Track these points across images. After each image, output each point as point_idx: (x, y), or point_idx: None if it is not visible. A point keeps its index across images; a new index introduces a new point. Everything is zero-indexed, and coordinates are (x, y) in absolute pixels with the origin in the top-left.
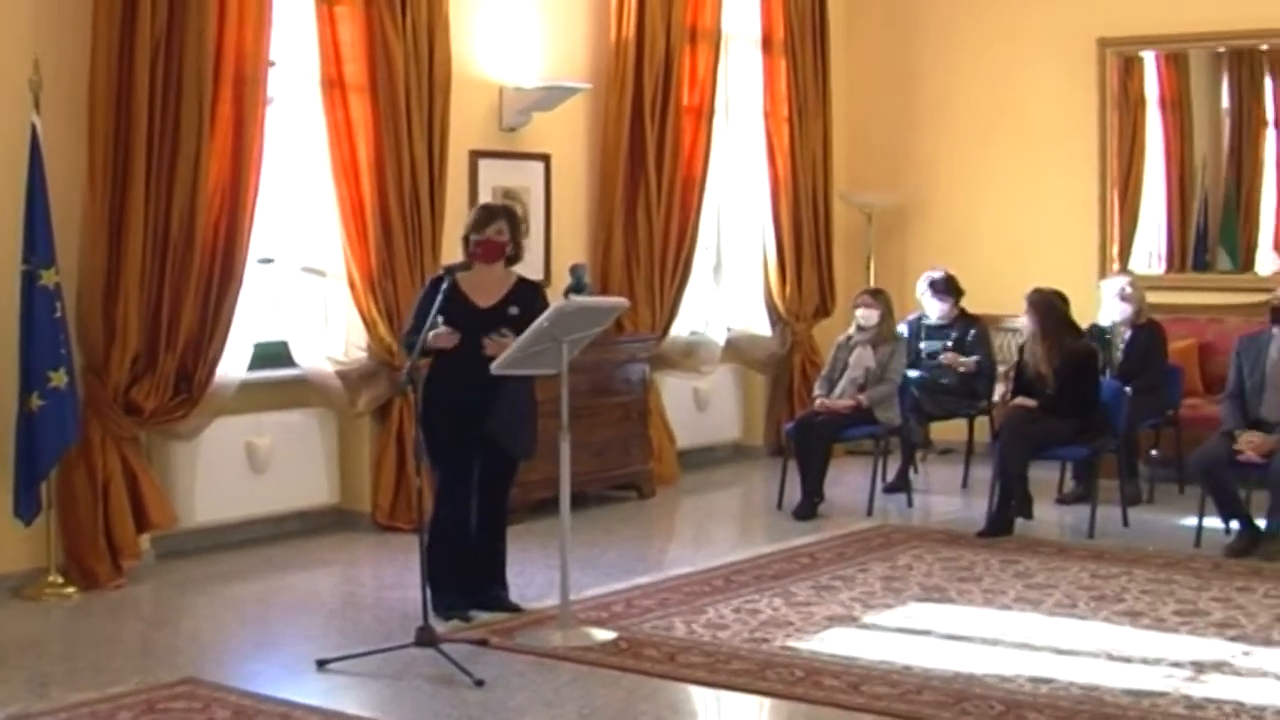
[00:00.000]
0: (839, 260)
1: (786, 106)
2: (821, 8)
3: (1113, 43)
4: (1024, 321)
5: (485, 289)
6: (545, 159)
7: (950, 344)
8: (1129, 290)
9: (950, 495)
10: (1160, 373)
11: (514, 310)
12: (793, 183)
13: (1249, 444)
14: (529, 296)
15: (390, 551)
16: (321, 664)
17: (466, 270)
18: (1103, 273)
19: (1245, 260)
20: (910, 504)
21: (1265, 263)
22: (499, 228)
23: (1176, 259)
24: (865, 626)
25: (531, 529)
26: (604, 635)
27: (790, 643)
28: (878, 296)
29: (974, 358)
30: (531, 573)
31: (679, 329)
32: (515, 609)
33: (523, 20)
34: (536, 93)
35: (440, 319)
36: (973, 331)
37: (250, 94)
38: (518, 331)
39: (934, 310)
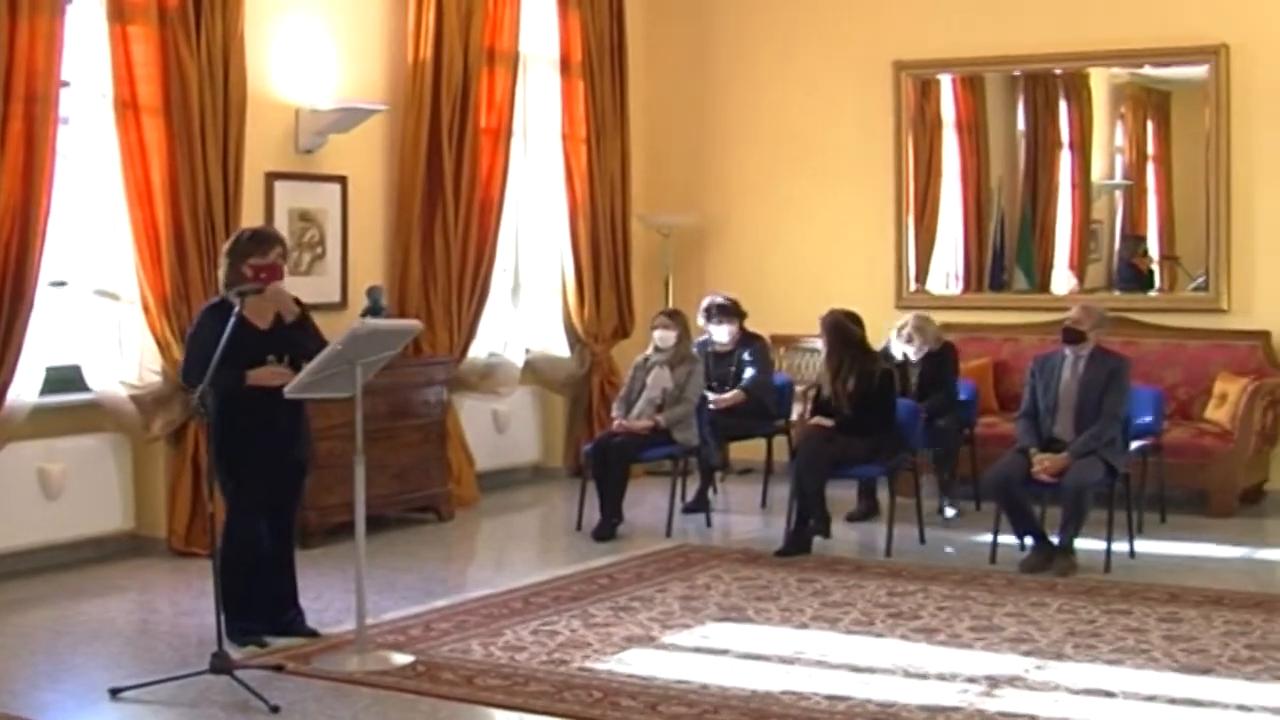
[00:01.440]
0: (637, 281)
1: (585, 128)
2: (620, 29)
3: (909, 66)
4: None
5: (260, 312)
6: (342, 180)
7: (733, 368)
8: (909, 332)
9: (749, 515)
10: (950, 395)
11: (290, 319)
12: (591, 204)
13: (1041, 466)
14: (299, 314)
15: (186, 577)
16: (115, 693)
17: (258, 294)
18: (900, 293)
19: (1042, 280)
20: (709, 524)
21: (1061, 282)
22: (280, 252)
23: (974, 279)
24: (663, 646)
25: (330, 553)
26: (402, 659)
27: (588, 664)
28: (675, 317)
29: (734, 391)
30: (330, 597)
31: (477, 351)
32: (312, 634)
33: (319, 41)
34: (333, 114)
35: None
36: (747, 352)
37: (42, 113)
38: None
39: (719, 334)
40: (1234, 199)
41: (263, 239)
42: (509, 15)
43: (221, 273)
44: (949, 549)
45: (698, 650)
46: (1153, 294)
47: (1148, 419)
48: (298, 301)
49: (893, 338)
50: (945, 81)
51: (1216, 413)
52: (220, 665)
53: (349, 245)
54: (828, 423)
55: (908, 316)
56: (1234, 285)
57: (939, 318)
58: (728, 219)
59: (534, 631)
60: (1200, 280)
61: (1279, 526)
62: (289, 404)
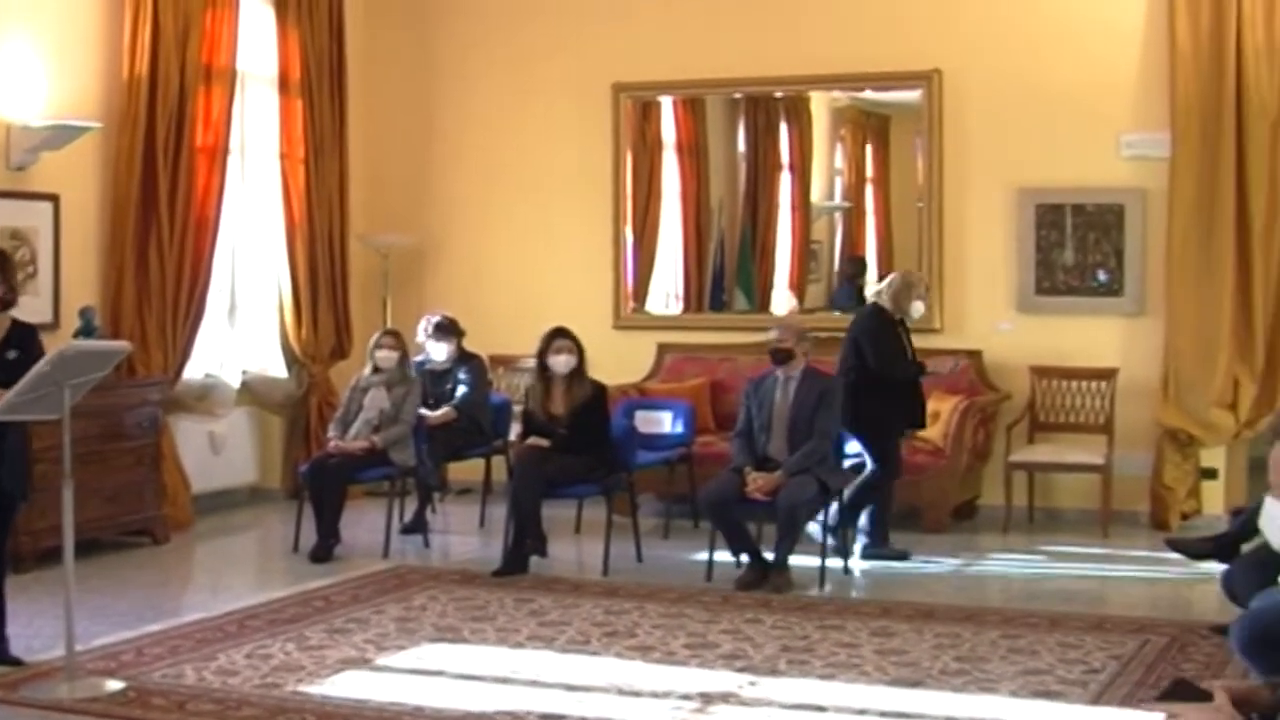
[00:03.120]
0: (355, 302)
1: (303, 147)
2: (339, 49)
3: (628, 88)
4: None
5: None
6: (54, 199)
7: (449, 386)
8: (923, 290)
9: (468, 535)
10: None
11: (12, 354)
12: (309, 224)
13: (755, 484)
14: (26, 339)
15: None
16: None
17: None
18: (618, 313)
19: (762, 300)
20: (427, 544)
21: (781, 302)
22: (3, 275)
23: (694, 299)
24: (378, 669)
25: (41, 578)
26: (113, 685)
27: (302, 687)
28: (395, 338)
29: (446, 409)
30: (40, 623)
31: (193, 371)
32: (17, 662)
33: (30, 57)
34: (44, 131)
35: None
36: (463, 371)
37: None
38: (18, 374)
39: (437, 353)
40: (946, 221)
41: None
42: (226, 32)
43: None
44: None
45: (412, 671)
46: None
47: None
48: (30, 330)
49: (914, 302)
50: (666, 103)
51: (930, 430)
52: None
53: (61, 264)
54: (543, 443)
55: (894, 274)
56: (946, 305)
57: (657, 338)
58: (447, 239)
59: (248, 655)
60: None
61: (990, 541)
62: None
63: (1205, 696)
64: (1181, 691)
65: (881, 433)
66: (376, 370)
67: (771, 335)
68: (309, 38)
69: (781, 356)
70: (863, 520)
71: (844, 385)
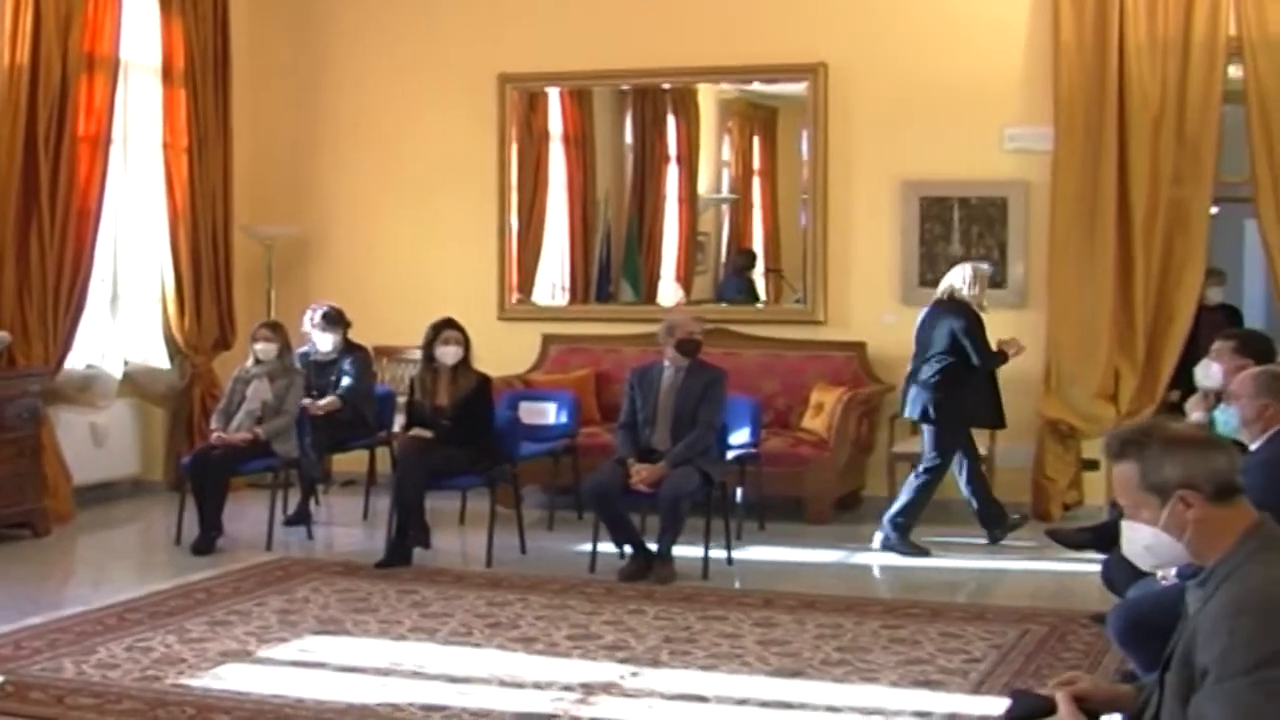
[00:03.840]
0: (239, 293)
1: (186, 137)
2: (224, 38)
3: (515, 79)
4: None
5: None
6: None
7: (334, 377)
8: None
9: (351, 527)
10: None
11: None
12: (192, 214)
13: (639, 476)
14: None
15: None
16: None
17: None
18: (503, 305)
19: (648, 292)
20: (311, 536)
21: (667, 294)
22: None
23: (580, 290)
24: (259, 661)
25: None
26: None
27: (182, 680)
28: (275, 330)
29: (330, 398)
30: None
31: (74, 362)
32: None
33: None
34: None
35: None
36: (347, 362)
37: None
38: None
39: (322, 343)
40: (831, 214)
41: None
42: (109, 21)
43: None
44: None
45: (294, 664)
46: (759, 306)
47: (745, 428)
48: None
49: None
50: (553, 94)
51: (813, 422)
52: None
53: None
54: (426, 434)
55: (964, 268)
56: (830, 298)
57: (543, 329)
58: (332, 230)
59: (128, 648)
60: (800, 293)
61: (872, 531)
62: None
63: (1047, 705)
64: (1020, 704)
65: (958, 425)
66: (258, 362)
67: (684, 328)
68: (193, 27)
69: (692, 348)
70: (893, 509)
71: (934, 378)
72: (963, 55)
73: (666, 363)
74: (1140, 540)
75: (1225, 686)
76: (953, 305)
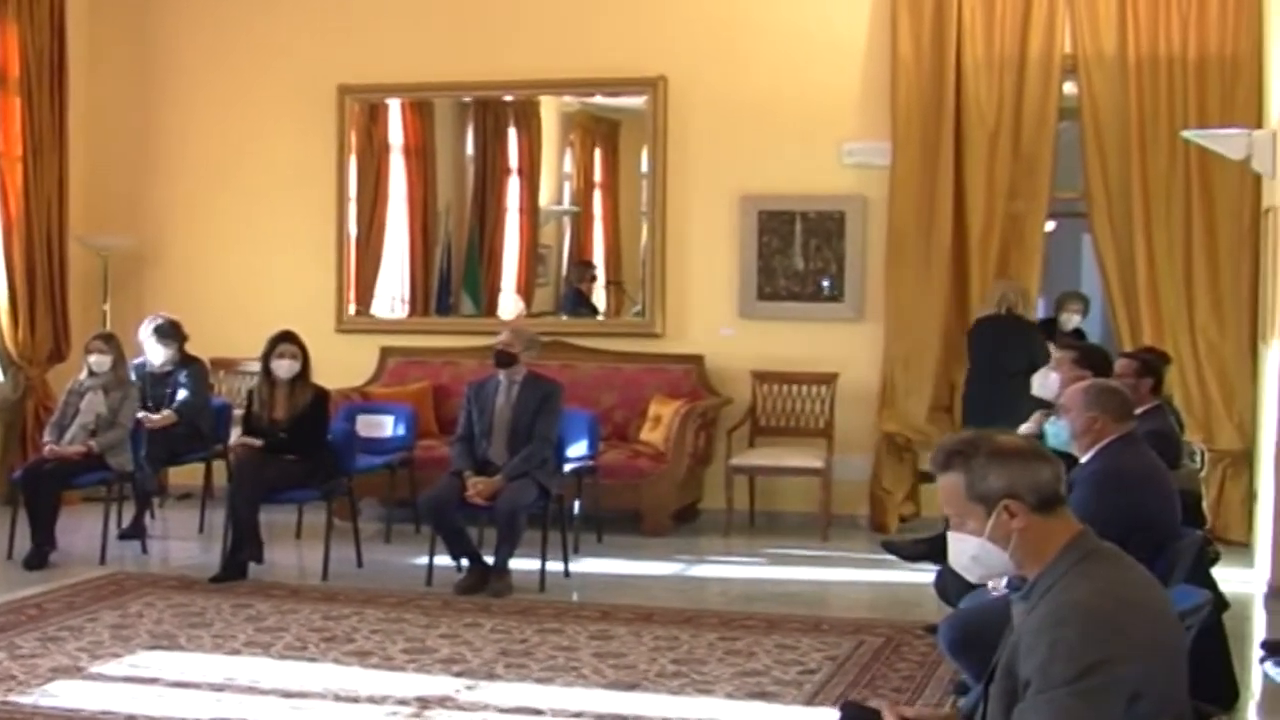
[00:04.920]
0: (74, 304)
1: (21, 146)
2: (61, 46)
3: (355, 90)
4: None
5: None
6: None
7: (170, 390)
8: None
9: (187, 541)
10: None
11: None
12: (26, 224)
13: (475, 489)
14: None
15: None
16: None
17: None
18: (340, 317)
19: (489, 304)
20: (145, 550)
21: (508, 306)
22: None
23: (419, 303)
24: (91, 677)
25: None
26: None
27: (12, 697)
28: (109, 341)
29: (166, 411)
30: None
31: None
32: None
33: None
34: None
35: None
36: (183, 374)
37: None
38: None
39: (157, 355)
40: (670, 227)
41: None
42: None
43: None
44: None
45: (127, 679)
46: (599, 318)
47: (583, 441)
48: None
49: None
50: (394, 106)
51: (651, 434)
52: None
53: None
54: (257, 443)
55: (1004, 285)
56: (669, 311)
57: (381, 341)
58: (169, 241)
59: None
60: (639, 306)
61: (711, 544)
62: None
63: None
64: (850, 715)
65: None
66: (92, 374)
67: (501, 338)
68: (29, 34)
69: (506, 360)
70: None
71: (1001, 391)
72: (802, 70)
73: (502, 376)
74: (967, 551)
75: (1046, 696)
76: (1022, 324)
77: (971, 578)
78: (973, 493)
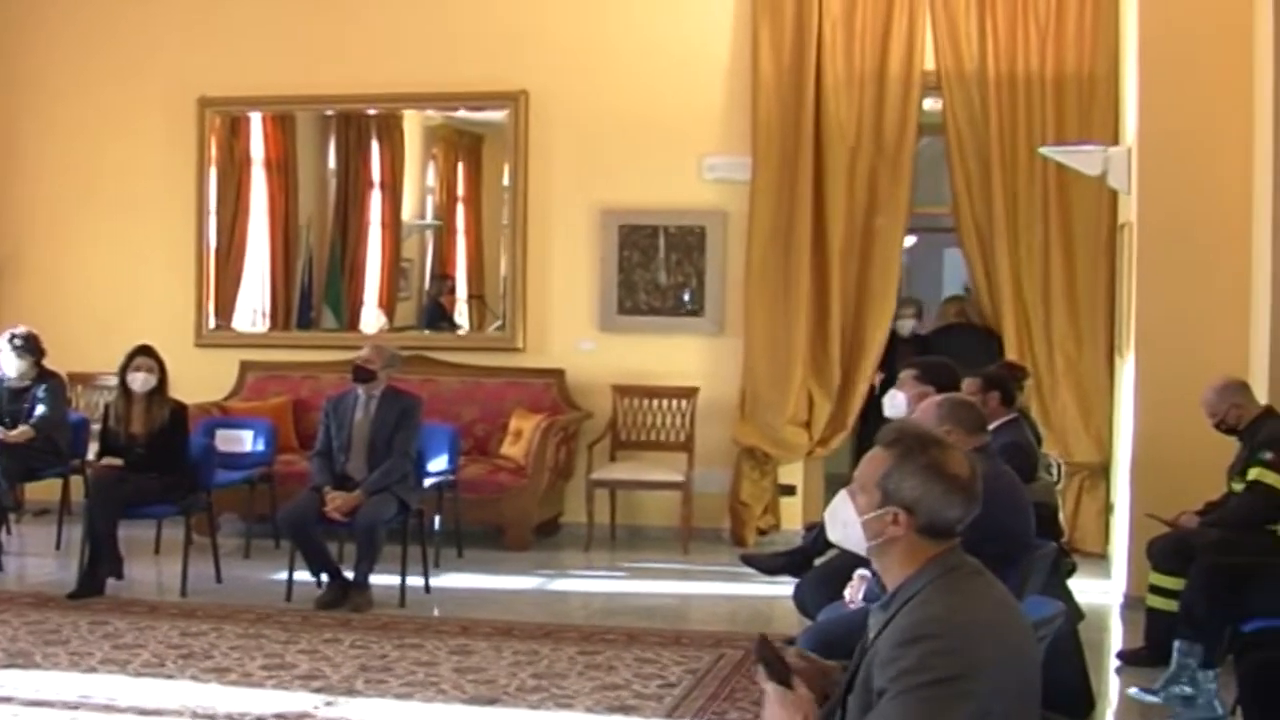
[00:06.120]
0: None
1: None
2: None
3: (214, 102)
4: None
5: None
6: None
7: (26, 405)
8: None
9: (44, 557)
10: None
11: None
12: None
13: (334, 504)
14: None
15: None
16: None
17: None
18: (200, 331)
19: (351, 318)
20: (1, 567)
21: (370, 320)
22: None
23: (281, 317)
24: None
25: None
26: None
27: None
28: None
29: (23, 427)
30: None
31: None
32: None
33: None
34: None
35: None
36: (41, 389)
37: None
38: None
39: (14, 369)
40: (531, 241)
41: None
42: None
43: None
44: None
45: None
46: (461, 332)
47: (444, 455)
48: None
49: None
50: (255, 119)
51: (512, 449)
52: None
53: None
54: (117, 462)
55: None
56: (530, 325)
57: (242, 355)
58: (25, 253)
59: None
60: (501, 320)
61: (572, 558)
62: None
63: (784, 665)
64: (764, 651)
65: None
66: None
67: (361, 354)
68: None
69: (364, 375)
70: None
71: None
72: (663, 85)
73: (361, 391)
74: (843, 516)
75: (896, 703)
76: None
77: (832, 537)
78: (884, 480)
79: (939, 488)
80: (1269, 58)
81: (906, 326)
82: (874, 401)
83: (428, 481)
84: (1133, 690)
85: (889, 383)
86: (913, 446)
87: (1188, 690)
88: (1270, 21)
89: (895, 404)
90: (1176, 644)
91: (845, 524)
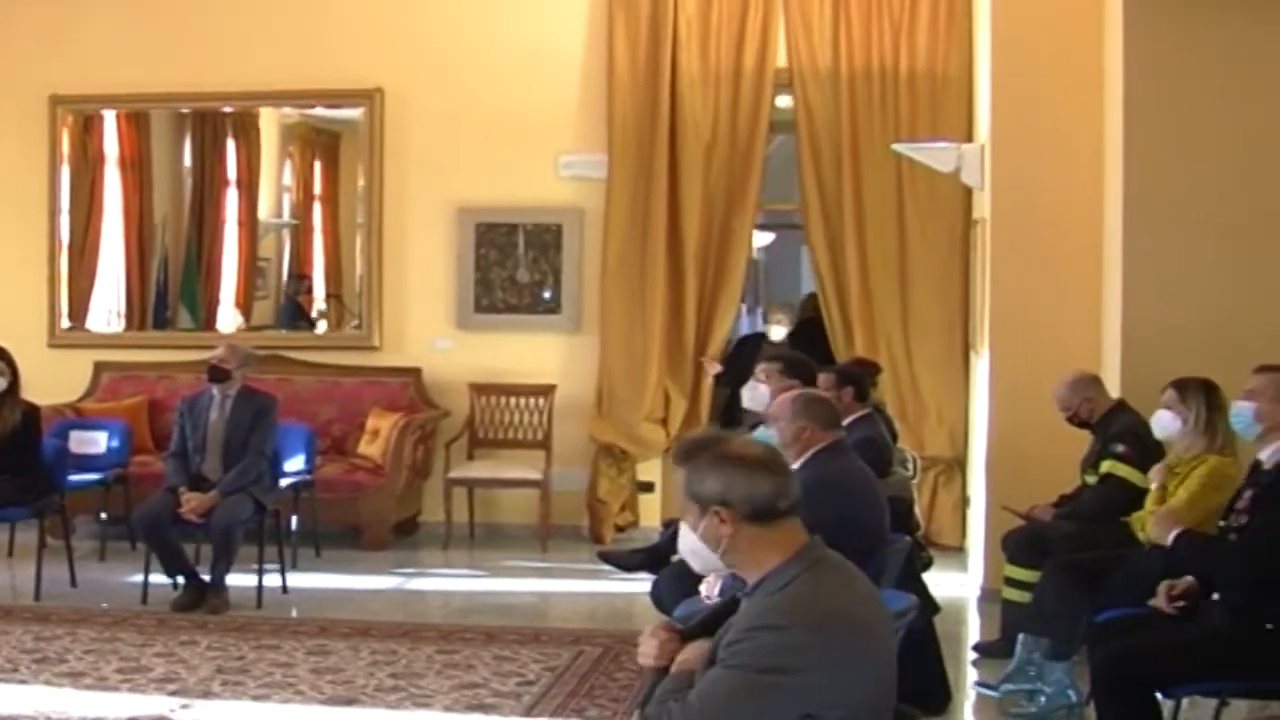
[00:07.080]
0: None
1: None
2: None
3: (67, 100)
4: None
5: None
6: None
7: None
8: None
9: None
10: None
11: None
12: None
13: (189, 505)
14: None
15: None
16: None
17: None
18: (53, 331)
19: (208, 318)
20: None
21: (227, 320)
22: None
23: (136, 316)
24: None
25: None
26: None
27: None
28: None
29: None
30: None
31: None
32: None
33: None
34: None
35: None
36: None
37: None
38: None
39: None
40: (387, 239)
41: None
42: None
43: None
44: (104, 605)
45: None
46: (319, 331)
47: (300, 455)
48: None
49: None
50: (109, 117)
51: (369, 448)
52: None
53: None
54: None
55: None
56: (386, 324)
57: (97, 356)
58: None
59: None
60: (358, 319)
61: (430, 557)
62: None
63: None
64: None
65: None
66: None
67: (217, 353)
68: None
69: (219, 375)
70: None
71: None
72: (519, 83)
73: (215, 390)
74: (690, 545)
75: (725, 671)
76: None
77: (695, 568)
78: (689, 492)
79: (736, 472)
80: (1119, 57)
81: (778, 331)
82: (733, 398)
83: (284, 481)
84: (973, 685)
85: (733, 377)
86: (694, 450)
87: (1035, 685)
88: (1120, 21)
89: (757, 396)
90: (1021, 638)
91: (694, 551)
